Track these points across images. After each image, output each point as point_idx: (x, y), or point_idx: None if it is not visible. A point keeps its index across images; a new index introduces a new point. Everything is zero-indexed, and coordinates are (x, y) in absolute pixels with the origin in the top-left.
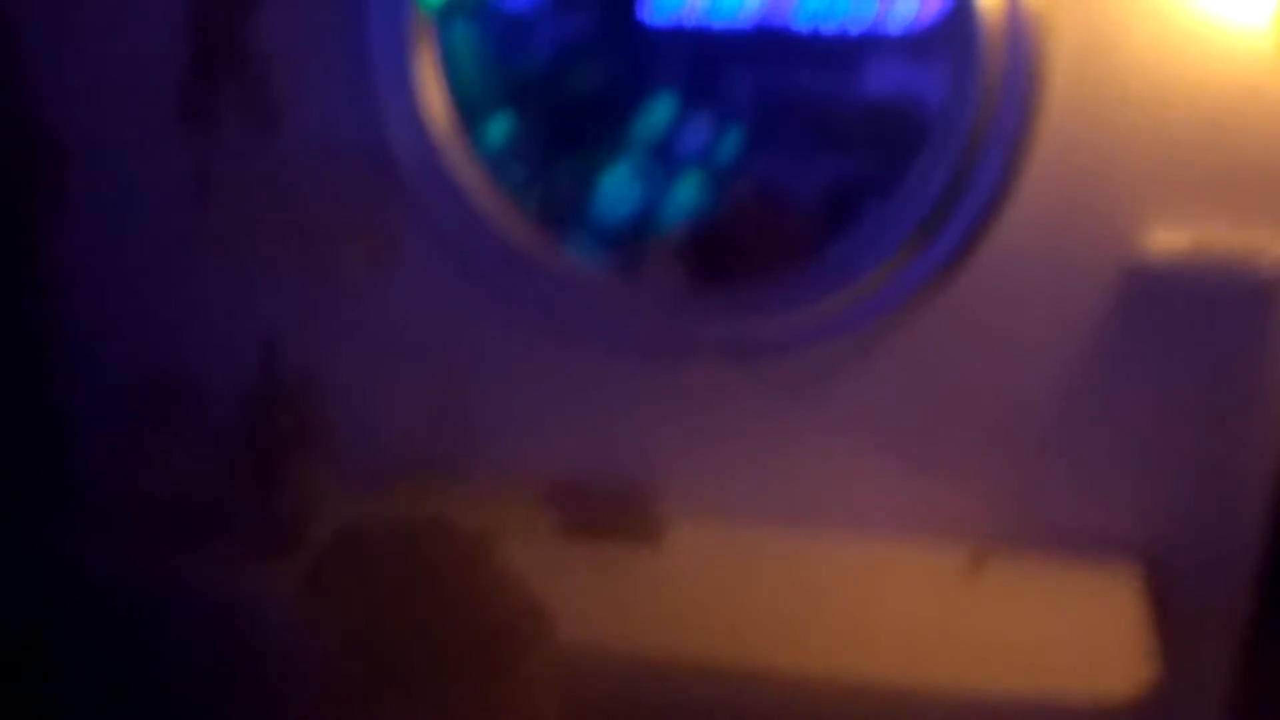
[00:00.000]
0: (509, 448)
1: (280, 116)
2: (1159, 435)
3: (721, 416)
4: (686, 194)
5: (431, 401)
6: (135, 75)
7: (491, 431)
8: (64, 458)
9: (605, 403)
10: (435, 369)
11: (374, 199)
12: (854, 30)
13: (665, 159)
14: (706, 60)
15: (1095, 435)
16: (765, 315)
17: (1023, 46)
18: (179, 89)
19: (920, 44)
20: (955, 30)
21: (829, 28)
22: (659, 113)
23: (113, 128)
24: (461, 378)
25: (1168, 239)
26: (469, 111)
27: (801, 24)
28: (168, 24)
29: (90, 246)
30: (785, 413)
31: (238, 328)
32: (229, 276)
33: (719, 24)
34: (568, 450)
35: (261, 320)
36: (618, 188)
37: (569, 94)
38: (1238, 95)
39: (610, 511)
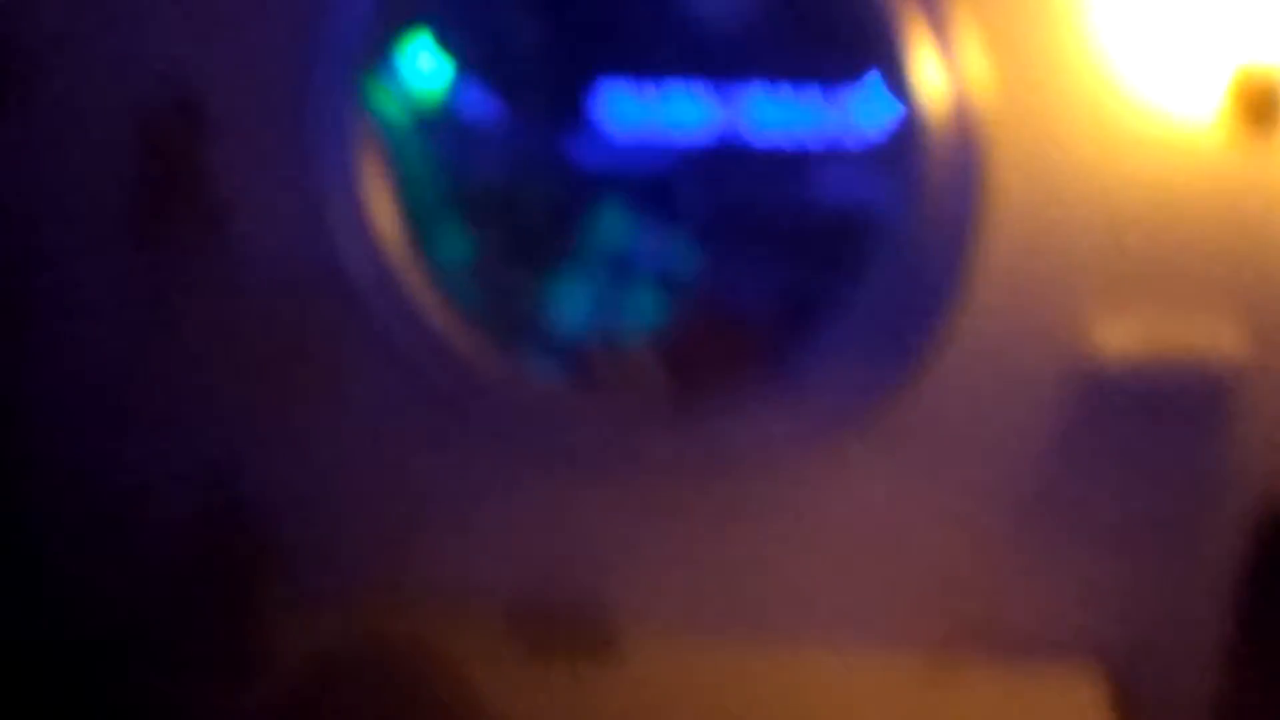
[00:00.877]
0: (469, 566)
1: (232, 236)
2: (1118, 537)
3: (679, 530)
4: (643, 307)
5: (389, 521)
6: (85, 197)
7: (450, 550)
8: (23, 587)
9: (563, 518)
10: (392, 488)
11: (327, 317)
12: (807, 145)
13: (622, 272)
14: (663, 174)
15: (1054, 539)
16: (722, 428)
17: (970, 157)
18: (129, 211)
19: (871, 157)
20: (905, 144)
21: (783, 142)
22: (615, 226)
23: (63, 250)
24: (419, 496)
25: (1119, 339)
26: (421, 227)
27: (756, 138)
28: (117, 146)
29: (42, 374)
30: (743, 525)
31: (192, 451)
32: (182, 400)
33: (675, 138)
34: (527, 566)
35: (216, 443)
36: (574, 301)
37: (524, 207)
38: (1184, 192)
39: (571, 628)
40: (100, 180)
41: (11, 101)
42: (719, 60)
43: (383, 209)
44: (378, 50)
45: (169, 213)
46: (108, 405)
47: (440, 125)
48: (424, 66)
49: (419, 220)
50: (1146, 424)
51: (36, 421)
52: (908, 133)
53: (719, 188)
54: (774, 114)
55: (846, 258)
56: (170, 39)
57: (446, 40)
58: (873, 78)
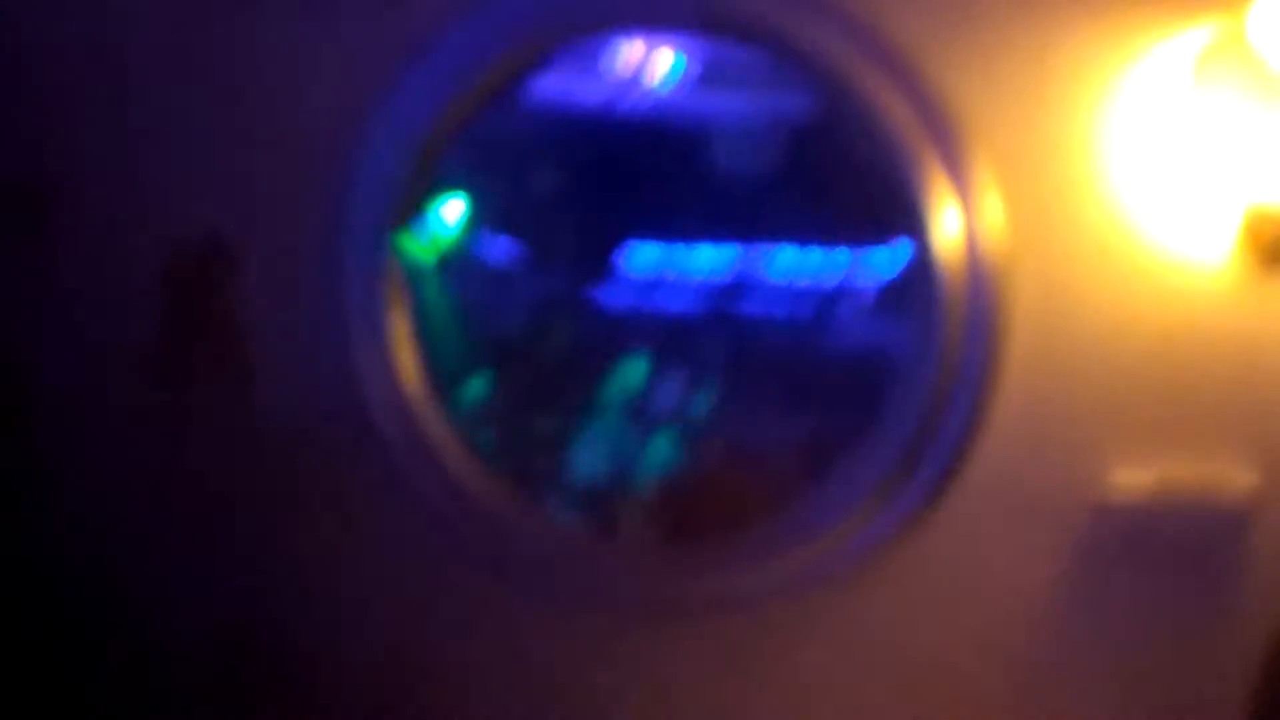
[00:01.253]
0: (485, 705)
1: (256, 378)
2: (1134, 670)
3: (697, 671)
4: (660, 452)
5: (405, 660)
6: (113, 334)
7: (465, 689)
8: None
9: (580, 659)
10: (409, 626)
11: (348, 459)
12: (822, 287)
13: (640, 417)
14: (680, 318)
15: (1071, 673)
16: (739, 570)
17: (983, 298)
18: (156, 348)
19: (886, 299)
20: (918, 285)
21: (798, 285)
22: (632, 373)
23: (88, 385)
24: (437, 636)
25: (1133, 476)
26: (443, 372)
27: (772, 281)
28: (146, 283)
29: (63, 506)
30: (761, 666)
31: (211, 587)
32: (203, 537)
33: (692, 283)
34: (544, 706)
35: (235, 581)
36: (592, 447)
37: (544, 353)
38: (1195, 332)
39: None
40: (128, 317)
41: (42, 235)
42: (742, 219)
43: (406, 353)
44: (408, 203)
45: (195, 351)
46: (128, 540)
47: (464, 272)
48: (451, 217)
49: (442, 365)
50: (1160, 559)
51: (57, 554)
52: (925, 279)
53: (738, 334)
54: (794, 265)
55: (863, 400)
56: (202, 181)
57: (474, 195)
58: (895, 233)
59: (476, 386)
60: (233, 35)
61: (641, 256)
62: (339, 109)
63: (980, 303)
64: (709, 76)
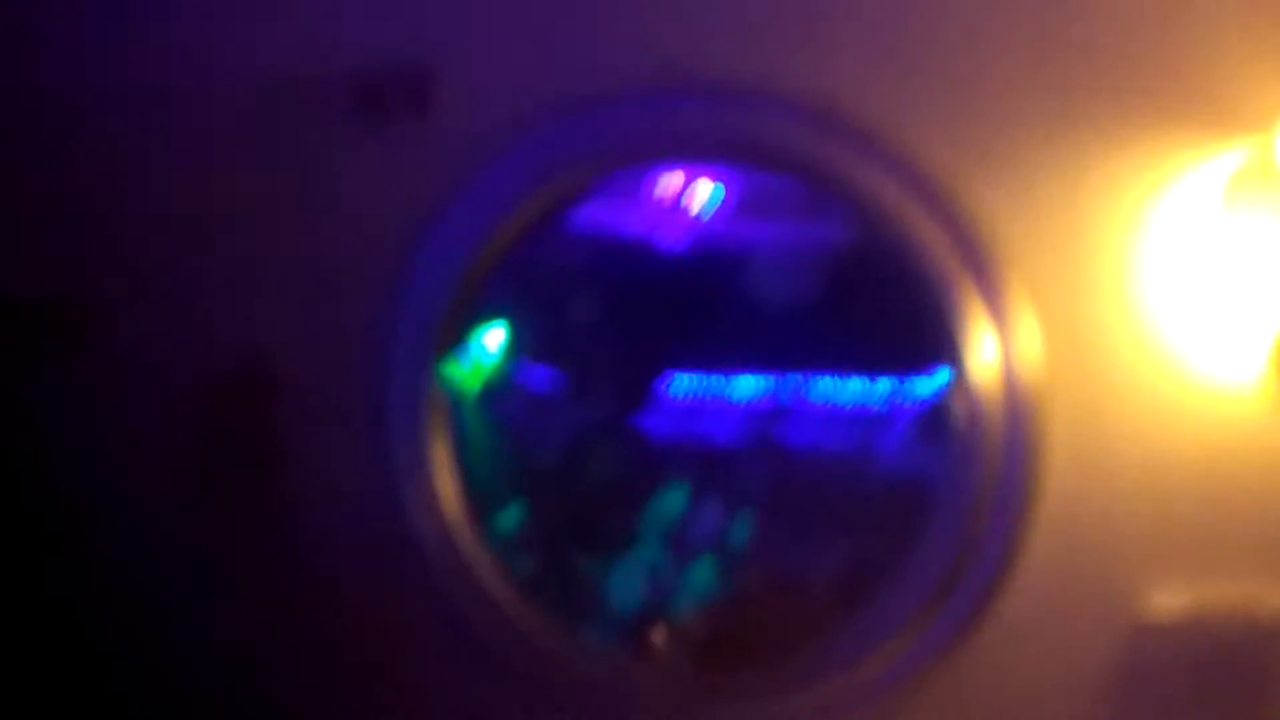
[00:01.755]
0: None
1: (297, 503)
2: None
3: None
4: (699, 580)
5: None
6: (153, 459)
7: None
8: None
9: None
10: None
11: (389, 584)
12: (861, 415)
13: (678, 545)
14: (720, 447)
15: None
16: (777, 697)
17: (1020, 423)
18: (195, 475)
19: (927, 429)
20: (956, 411)
21: (837, 413)
22: (670, 502)
23: (130, 509)
24: None
25: (1170, 598)
26: (483, 499)
27: (811, 409)
28: (186, 408)
29: (108, 625)
30: None
31: (252, 712)
32: (244, 661)
33: (733, 411)
34: None
35: (279, 703)
36: (629, 576)
37: (583, 480)
38: (1229, 454)
39: None
40: (170, 440)
41: (85, 357)
42: (781, 347)
43: (447, 480)
44: (450, 331)
45: (235, 476)
46: (169, 659)
47: (505, 399)
48: (493, 345)
49: (482, 491)
50: (1198, 679)
51: (99, 670)
52: (963, 405)
53: (778, 461)
54: (833, 393)
55: (902, 526)
56: (246, 306)
57: (515, 323)
58: (933, 360)
59: (515, 513)
60: (277, 163)
61: (681, 384)
62: (383, 237)
63: (1017, 427)
64: (748, 206)
